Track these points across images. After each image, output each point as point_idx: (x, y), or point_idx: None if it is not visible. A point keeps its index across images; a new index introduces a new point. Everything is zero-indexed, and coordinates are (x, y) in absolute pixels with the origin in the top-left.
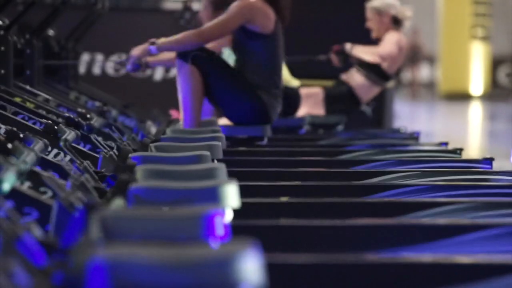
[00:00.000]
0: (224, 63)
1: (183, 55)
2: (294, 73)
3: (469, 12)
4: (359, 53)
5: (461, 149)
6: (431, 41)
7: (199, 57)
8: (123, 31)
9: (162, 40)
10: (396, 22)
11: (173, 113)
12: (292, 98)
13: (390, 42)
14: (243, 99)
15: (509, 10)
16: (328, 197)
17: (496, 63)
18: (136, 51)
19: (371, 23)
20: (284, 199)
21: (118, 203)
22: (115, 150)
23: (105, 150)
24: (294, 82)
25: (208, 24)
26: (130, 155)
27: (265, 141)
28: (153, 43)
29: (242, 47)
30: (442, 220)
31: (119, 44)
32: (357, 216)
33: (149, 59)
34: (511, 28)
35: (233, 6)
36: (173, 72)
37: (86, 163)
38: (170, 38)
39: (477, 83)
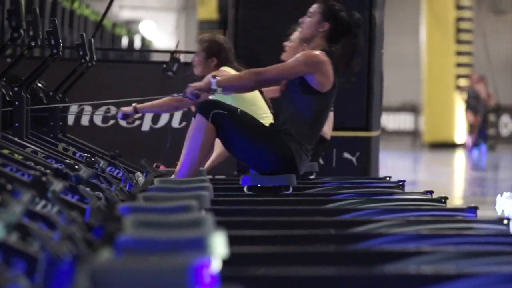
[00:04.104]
0: (248, 117)
1: (205, 111)
2: None
3: (453, 63)
4: None
5: (445, 198)
6: (416, 91)
7: (220, 115)
8: (111, 83)
9: (224, 77)
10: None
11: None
12: None
13: None
14: (270, 150)
15: (490, 60)
16: (315, 246)
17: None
18: (197, 84)
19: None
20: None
21: (106, 253)
22: (103, 201)
23: (93, 201)
24: None
25: (270, 67)
26: (118, 205)
27: (290, 191)
28: (214, 77)
29: (291, 98)
30: (427, 269)
31: (108, 96)
32: (344, 265)
33: (138, 106)
34: (493, 78)
35: (300, 55)
36: (161, 122)
37: (74, 214)
38: (231, 75)
39: (460, 132)
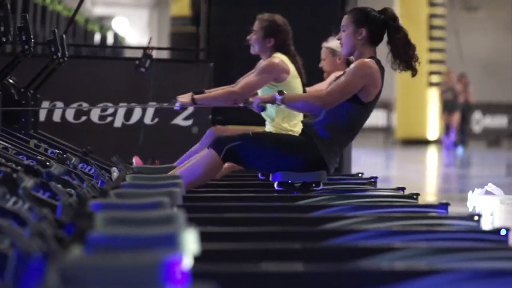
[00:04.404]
0: (262, 135)
1: (218, 147)
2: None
3: (425, 59)
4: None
5: (417, 194)
6: (389, 88)
7: (233, 148)
8: (83, 79)
9: (290, 94)
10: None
11: (136, 160)
12: None
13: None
14: (297, 156)
15: (463, 57)
16: (287, 243)
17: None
18: (263, 97)
19: (325, 63)
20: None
21: (77, 250)
22: (74, 197)
23: (65, 198)
24: None
25: (331, 88)
26: (89, 202)
27: (320, 187)
28: (281, 92)
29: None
30: (399, 265)
31: (79, 92)
32: (316, 261)
33: (196, 97)
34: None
35: (356, 67)
36: (133, 118)
37: (45, 210)
38: (297, 94)
39: (433, 128)
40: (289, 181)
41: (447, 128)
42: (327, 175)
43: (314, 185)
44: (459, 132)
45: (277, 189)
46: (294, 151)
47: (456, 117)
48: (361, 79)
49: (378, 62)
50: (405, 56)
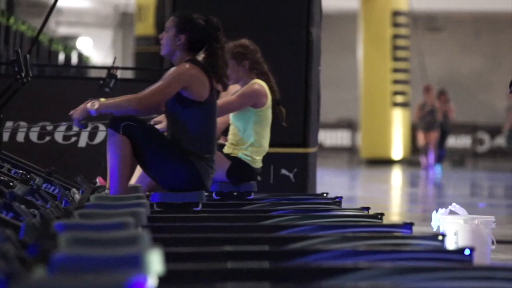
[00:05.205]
0: (156, 132)
1: (115, 124)
2: None
3: (389, 80)
4: None
5: (382, 214)
6: (353, 108)
7: (130, 127)
8: (48, 99)
9: (102, 101)
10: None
11: (100, 180)
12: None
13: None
14: (175, 166)
15: (426, 77)
16: (253, 262)
17: (415, 129)
18: (76, 114)
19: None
20: None
21: (40, 271)
22: (38, 218)
23: (28, 218)
24: None
25: (146, 91)
26: (53, 222)
27: (199, 207)
28: (92, 105)
29: (175, 114)
30: (364, 285)
31: (44, 112)
32: (281, 281)
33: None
34: None
35: (171, 72)
36: (98, 139)
37: (9, 231)
38: (110, 100)
39: (397, 148)
40: (167, 202)
41: (425, 148)
42: (205, 189)
43: (193, 205)
44: (437, 151)
45: (156, 209)
46: (174, 164)
47: (434, 136)
48: (177, 83)
49: (197, 63)
50: (216, 68)
